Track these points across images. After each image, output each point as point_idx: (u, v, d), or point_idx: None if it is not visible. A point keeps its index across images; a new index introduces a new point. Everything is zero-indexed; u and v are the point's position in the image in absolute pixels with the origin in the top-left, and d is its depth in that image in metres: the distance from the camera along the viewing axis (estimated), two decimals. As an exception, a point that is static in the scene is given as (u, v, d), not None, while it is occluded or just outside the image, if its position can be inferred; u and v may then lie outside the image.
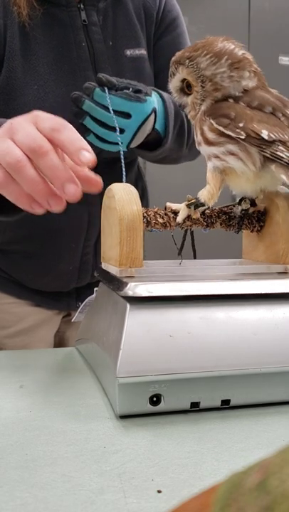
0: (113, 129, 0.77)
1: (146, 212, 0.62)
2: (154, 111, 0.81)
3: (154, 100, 0.81)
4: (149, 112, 0.79)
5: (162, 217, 0.63)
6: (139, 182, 1.07)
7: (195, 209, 0.64)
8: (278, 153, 0.58)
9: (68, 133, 0.54)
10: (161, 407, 0.50)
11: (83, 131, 0.79)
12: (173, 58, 0.66)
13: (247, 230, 0.69)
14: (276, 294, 0.55)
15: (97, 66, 0.91)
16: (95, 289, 0.71)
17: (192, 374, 0.49)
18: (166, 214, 0.63)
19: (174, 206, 0.64)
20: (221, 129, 0.60)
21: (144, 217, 0.61)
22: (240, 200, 0.67)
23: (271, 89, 0.65)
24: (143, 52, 0.96)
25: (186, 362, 0.49)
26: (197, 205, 0.63)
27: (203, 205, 0.63)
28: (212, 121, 0.61)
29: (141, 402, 0.49)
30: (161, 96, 0.86)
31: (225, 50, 0.62)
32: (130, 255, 0.57)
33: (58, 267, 0.97)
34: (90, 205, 0.91)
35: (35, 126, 0.55)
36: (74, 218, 0.92)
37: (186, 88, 0.67)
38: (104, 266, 0.65)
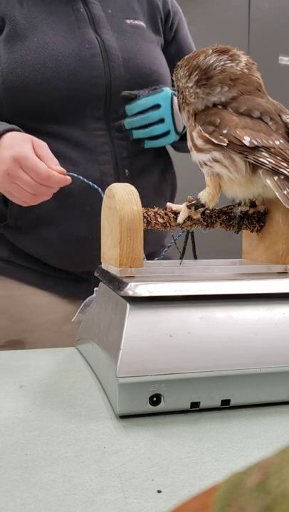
0: (155, 123, 0.92)
1: (146, 212, 0.62)
2: (174, 94, 0.90)
3: (170, 89, 0.94)
4: (170, 94, 0.92)
5: (162, 218, 0.63)
6: (163, 152, 1.09)
7: (195, 210, 0.64)
8: (261, 159, 0.58)
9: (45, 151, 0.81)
10: (161, 407, 0.50)
11: (140, 143, 0.95)
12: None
13: (247, 230, 0.69)
14: (276, 294, 0.55)
15: (96, 25, 0.97)
16: (95, 289, 0.71)
17: (192, 374, 0.49)
18: (166, 214, 0.63)
19: (174, 207, 0.64)
20: (207, 135, 0.61)
21: (144, 217, 0.61)
22: (239, 202, 0.67)
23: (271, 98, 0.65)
24: (142, 24, 1.02)
25: (186, 362, 0.49)
26: (198, 206, 0.63)
27: (203, 206, 0.63)
28: (200, 128, 0.62)
29: (141, 402, 0.49)
30: None
31: (200, 64, 0.62)
32: (130, 255, 0.57)
33: (76, 235, 0.95)
34: (101, 164, 0.94)
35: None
36: (84, 177, 0.91)
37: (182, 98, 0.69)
38: (104, 266, 0.65)
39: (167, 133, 0.94)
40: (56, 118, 0.91)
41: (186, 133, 0.93)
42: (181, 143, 1.01)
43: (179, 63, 0.66)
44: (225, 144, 0.59)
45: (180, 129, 0.95)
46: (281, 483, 0.19)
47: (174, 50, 1.10)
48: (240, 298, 0.54)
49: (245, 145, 0.58)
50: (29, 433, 0.47)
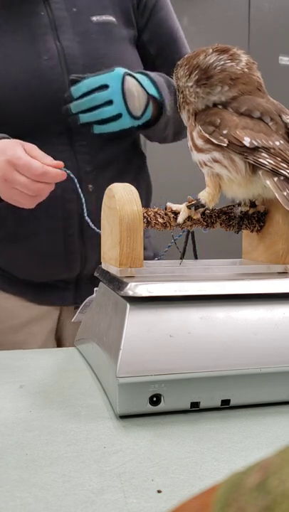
0: (103, 105, 0.85)
1: (146, 212, 0.62)
2: (131, 75, 0.88)
3: (124, 69, 0.88)
4: (121, 73, 0.86)
5: (162, 217, 0.63)
6: (135, 157, 1.06)
7: (195, 210, 0.64)
8: (261, 160, 0.58)
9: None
10: (161, 407, 0.50)
11: (88, 130, 0.88)
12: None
13: (247, 230, 0.69)
14: (276, 294, 0.55)
15: (59, 30, 0.92)
16: (95, 289, 0.71)
17: (192, 374, 0.49)
18: (166, 214, 0.63)
19: (174, 207, 0.64)
20: (207, 136, 0.60)
21: (144, 217, 0.61)
22: (239, 202, 0.67)
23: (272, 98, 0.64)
24: (111, 18, 0.96)
25: (186, 362, 0.49)
26: (198, 206, 0.63)
27: (203, 206, 0.63)
28: (200, 128, 0.62)
29: (141, 402, 0.49)
30: (141, 72, 0.92)
31: (200, 64, 0.62)
32: (130, 255, 0.57)
33: (41, 250, 0.96)
34: (63, 181, 0.89)
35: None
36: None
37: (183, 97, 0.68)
38: (104, 266, 0.65)
39: (118, 116, 0.87)
40: (19, 134, 0.86)
41: (153, 119, 0.92)
42: (147, 131, 0.97)
43: (179, 62, 0.65)
44: (225, 145, 0.59)
45: (136, 112, 0.89)
46: (281, 483, 0.19)
47: (147, 37, 1.04)
48: (240, 298, 0.54)
49: (245, 146, 0.58)
50: (29, 433, 0.47)
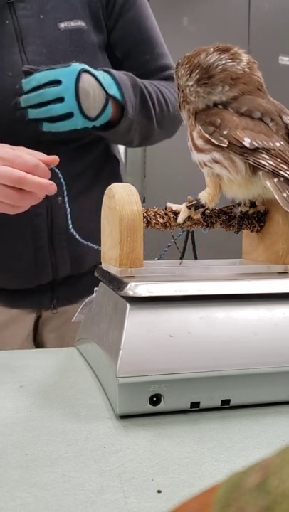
0: (53, 101, 0.79)
1: (146, 212, 0.62)
2: (89, 72, 0.82)
3: (82, 65, 0.82)
4: (77, 70, 0.81)
5: (162, 218, 0.63)
6: (107, 164, 1.02)
7: (195, 210, 0.64)
8: (261, 161, 0.58)
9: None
10: (161, 407, 0.50)
11: (37, 127, 0.82)
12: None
13: (247, 230, 0.69)
14: (276, 294, 0.55)
15: (24, 41, 0.87)
16: (95, 289, 0.71)
17: (192, 374, 0.49)
18: (166, 214, 0.63)
19: (174, 207, 0.64)
20: (207, 136, 0.60)
21: (144, 217, 0.61)
22: (239, 202, 0.67)
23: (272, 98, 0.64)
24: (80, 24, 0.91)
25: (186, 362, 0.49)
26: (198, 206, 0.63)
27: (203, 206, 0.63)
28: (200, 128, 0.62)
29: (141, 402, 0.49)
30: (106, 70, 0.87)
31: (201, 63, 0.61)
32: (130, 255, 0.57)
33: (11, 264, 0.94)
34: None
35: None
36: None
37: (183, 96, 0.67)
38: (104, 266, 0.65)
39: (69, 115, 0.81)
40: None
41: (114, 121, 0.88)
42: (107, 133, 0.90)
43: (179, 61, 0.65)
44: (225, 145, 0.59)
45: (90, 113, 0.83)
46: (281, 483, 0.19)
47: (114, 39, 0.96)
48: (240, 298, 0.54)
49: (245, 146, 0.58)
50: (29, 433, 0.47)
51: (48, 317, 1.01)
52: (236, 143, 0.59)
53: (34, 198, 0.75)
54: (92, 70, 0.84)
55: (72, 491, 0.37)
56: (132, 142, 0.99)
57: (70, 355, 0.74)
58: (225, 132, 0.59)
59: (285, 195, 0.57)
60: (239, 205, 0.67)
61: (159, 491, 0.37)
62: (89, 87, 0.82)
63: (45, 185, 0.73)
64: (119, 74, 0.89)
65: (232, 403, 0.51)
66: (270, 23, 2.83)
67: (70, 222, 0.75)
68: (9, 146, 0.77)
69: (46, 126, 0.82)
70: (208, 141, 0.61)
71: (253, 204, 0.67)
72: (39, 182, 0.72)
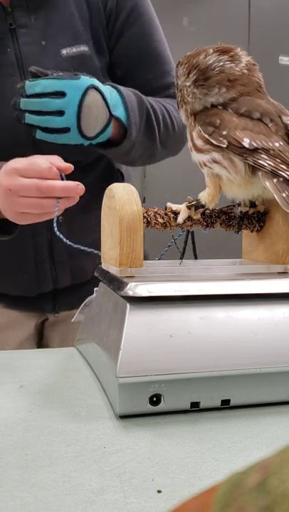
0: (53, 113, 0.76)
1: (146, 212, 0.62)
2: (96, 88, 0.79)
3: (92, 79, 0.79)
4: (85, 86, 0.77)
5: (162, 218, 0.63)
6: (111, 180, 1.01)
7: (195, 210, 0.64)
8: (260, 161, 0.58)
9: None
10: (161, 407, 0.50)
11: (31, 132, 0.79)
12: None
13: (247, 230, 0.69)
14: (276, 294, 0.55)
15: (26, 70, 0.84)
16: (95, 289, 0.71)
17: (192, 374, 0.49)
18: (166, 214, 0.63)
19: (174, 207, 0.64)
20: (206, 136, 0.60)
21: (144, 217, 0.61)
22: (239, 203, 0.67)
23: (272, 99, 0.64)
24: (83, 49, 0.88)
25: (186, 362, 0.49)
26: (198, 206, 0.63)
27: (203, 206, 0.63)
28: (199, 128, 0.62)
29: (141, 402, 0.49)
30: (114, 87, 0.84)
31: (200, 63, 0.61)
32: (130, 255, 0.57)
33: (12, 275, 0.96)
34: None
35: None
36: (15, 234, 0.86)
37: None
38: (104, 266, 0.65)
39: (66, 130, 0.78)
40: None
41: (116, 140, 0.84)
42: (106, 151, 0.87)
43: (180, 60, 0.64)
44: (224, 146, 0.59)
45: (89, 132, 0.80)
46: (281, 483, 0.19)
47: (114, 59, 0.92)
48: (240, 298, 0.54)
49: (244, 147, 0.58)
50: (29, 433, 0.47)
51: (53, 320, 1.02)
52: (235, 143, 0.59)
53: (70, 201, 0.74)
54: (101, 86, 0.81)
55: (72, 491, 0.37)
56: (132, 162, 0.97)
57: (70, 355, 0.74)
58: (224, 132, 0.59)
59: (284, 195, 0.57)
60: (239, 205, 0.67)
61: (159, 491, 0.37)
62: (93, 105, 0.79)
63: (73, 188, 0.72)
64: (127, 92, 0.86)
65: (232, 403, 0.51)
66: (270, 23, 2.83)
67: (55, 225, 0.73)
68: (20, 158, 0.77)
69: (40, 135, 0.79)
70: (207, 142, 0.61)
71: (253, 204, 0.67)
72: (67, 186, 0.71)
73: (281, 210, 0.64)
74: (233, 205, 0.67)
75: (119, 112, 0.84)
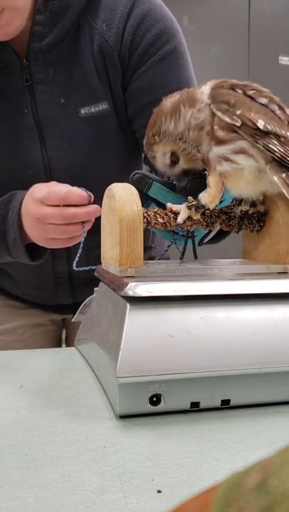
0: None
1: (146, 212, 0.62)
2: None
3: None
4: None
5: (162, 218, 0.63)
6: None
7: (196, 211, 0.63)
8: (271, 145, 0.58)
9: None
10: (161, 407, 0.50)
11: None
12: (144, 147, 0.66)
13: (247, 230, 0.69)
14: (276, 294, 0.55)
15: (44, 133, 0.83)
16: (95, 288, 0.71)
17: (192, 374, 0.49)
18: (166, 214, 0.63)
19: (175, 207, 0.64)
20: (219, 114, 0.60)
21: (144, 217, 0.61)
22: (240, 202, 0.67)
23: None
24: (102, 107, 0.83)
25: (186, 362, 0.49)
26: (198, 207, 0.63)
27: (204, 207, 0.63)
28: (218, 113, 0.60)
29: (141, 402, 0.49)
30: None
31: (169, 132, 0.62)
32: (130, 255, 0.57)
33: (33, 293, 1.00)
34: (55, 257, 0.93)
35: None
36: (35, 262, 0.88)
37: (171, 157, 0.65)
38: (104, 266, 0.65)
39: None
40: None
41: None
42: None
43: (154, 130, 0.63)
44: (238, 124, 0.58)
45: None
46: (281, 483, 0.19)
47: (130, 95, 0.84)
48: (240, 298, 0.54)
49: (258, 128, 0.58)
50: (29, 433, 0.47)
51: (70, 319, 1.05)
52: (250, 124, 0.58)
53: (90, 223, 0.77)
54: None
55: (72, 491, 0.37)
56: None
57: (70, 355, 0.74)
58: (238, 112, 0.59)
59: None
60: (239, 204, 0.67)
61: (159, 491, 0.37)
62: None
63: (92, 212, 0.75)
64: None
65: (232, 403, 0.51)
66: (270, 23, 2.83)
67: (74, 262, 0.76)
68: (41, 183, 0.78)
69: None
70: (231, 129, 0.59)
71: (253, 204, 0.67)
72: (87, 212, 0.75)
73: (281, 210, 0.64)
74: (233, 205, 0.67)
75: None
